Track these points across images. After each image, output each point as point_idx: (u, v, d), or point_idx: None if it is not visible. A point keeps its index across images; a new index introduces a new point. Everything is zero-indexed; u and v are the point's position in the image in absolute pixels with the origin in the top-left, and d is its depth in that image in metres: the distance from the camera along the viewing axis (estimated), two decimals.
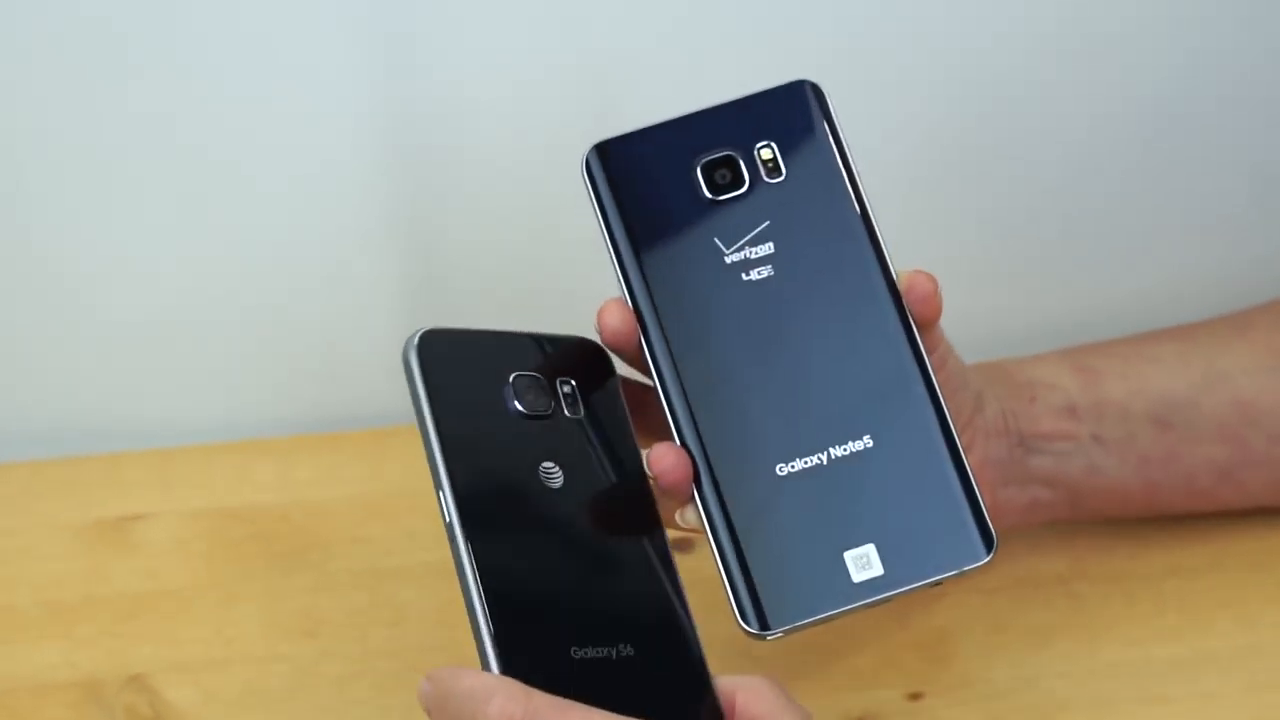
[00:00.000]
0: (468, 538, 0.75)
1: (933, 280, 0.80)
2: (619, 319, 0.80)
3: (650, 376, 0.80)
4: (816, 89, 0.82)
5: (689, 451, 0.79)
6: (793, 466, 0.78)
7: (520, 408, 0.78)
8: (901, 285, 0.80)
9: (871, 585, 0.77)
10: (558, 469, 0.78)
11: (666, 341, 0.80)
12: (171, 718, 0.90)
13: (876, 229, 0.80)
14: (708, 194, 0.81)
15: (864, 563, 0.77)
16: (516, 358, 0.79)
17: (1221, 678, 0.89)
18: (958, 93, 0.99)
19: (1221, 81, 1.00)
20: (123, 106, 0.96)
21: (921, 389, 0.79)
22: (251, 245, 0.99)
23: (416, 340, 0.78)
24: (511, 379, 0.78)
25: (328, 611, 0.93)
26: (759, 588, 0.77)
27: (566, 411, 0.79)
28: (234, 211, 0.99)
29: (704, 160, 0.81)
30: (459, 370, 0.78)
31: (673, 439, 0.79)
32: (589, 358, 0.80)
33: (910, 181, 1.00)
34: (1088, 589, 0.92)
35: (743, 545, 0.78)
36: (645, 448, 0.80)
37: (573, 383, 0.79)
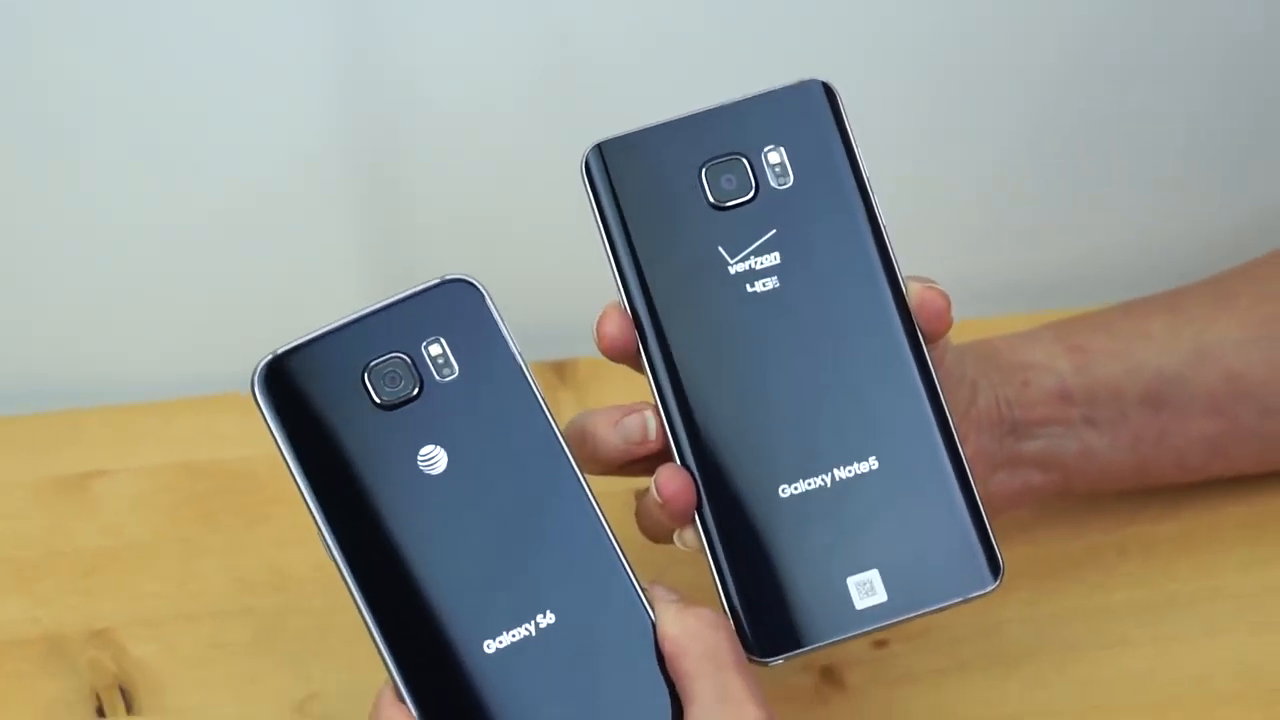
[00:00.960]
0: (349, 563, 0.74)
1: (944, 297, 0.79)
2: (618, 327, 0.78)
3: (649, 387, 0.78)
4: (829, 89, 0.79)
5: (690, 469, 0.77)
6: (795, 488, 0.77)
7: (379, 400, 0.76)
8: (912, 300, 0.78)
9: (875, 613, 0.76)
10: (438, 450, 0.76)
11: (667, 354, 0.78)
12: (136, 672, 0.90)
13: (887, 239, 0.78)
14: (712, 199, 0.79)
15: (867, 589, 0.76)
16: (367, 345, 0.76)
17: (1182, 621, 0.90)
18: (921, 45, 0.99)
19: (1179, 33, 1.00)
20: (79, 66, 0.95)
21: (929, 409, 0.78)
22: (211, 201, 0.99)
23: (258, 376, 0.75)
24: (363, 373, 0.76)
25: (293, 565, 0.92)
26: (759, 614, 0.76)
27: (439, 377, 0.76)
28: (193, 168, 0.98)
29: (709, 164, 0.79)
30: (309, 389, 0.75)
31: (671, 455, 0.78)
32: (454, 300, 0.77)
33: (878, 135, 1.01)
34: (1050, 536, 0.92)
35: (743, 570, 0.77)
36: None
37: (442, 341, 0.76)
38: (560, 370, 0.99)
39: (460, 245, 1.00)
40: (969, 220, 1.04)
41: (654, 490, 0.77)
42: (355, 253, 1.00)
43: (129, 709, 0.89)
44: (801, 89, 0.79)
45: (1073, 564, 0.91)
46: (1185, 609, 0.90)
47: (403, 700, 0.74)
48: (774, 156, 0.79)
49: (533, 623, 0.75)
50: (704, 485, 0.77)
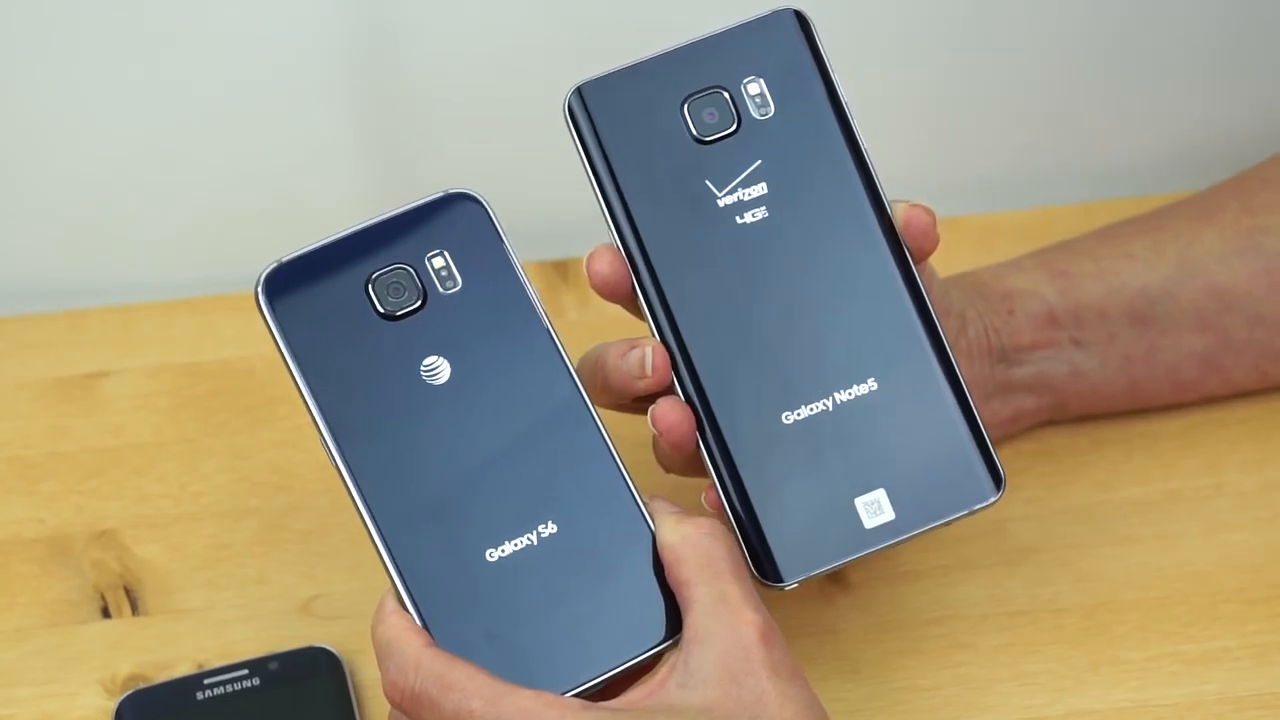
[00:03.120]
0: (351, 472, 0.75)
1: (930, 213, 0.79)
2: (610, 266, 0.78)
3: (646, 324, 0.79)
4: (801, 17, 0.80)
5: (692, 403, 0.78)
6: (798, 414, 0.78)
7: (382, 310, 0.76)
8: (898, 220, 0.79)
9: (884, 531, 0.78)
10: (441, 361, 0.76)
11: (661, 290, 0.79)
12: (140, 572, 0.90)
13: (869, 162, 0.79)
14: (696, 134, 0.79)
15: (875, 508, 0.78)
16: (371, 256, 0.76)
17: (1185, 518, 0.90)
18: None
19: None
20: None
21: (922, 327, 0.79)
22: (212, 100, 0.98)
23: (262, 284, 0.76)
24: (367, 284, 0.76)
25: (296, 466, 0.93)
26: (770, 539, 0.77)
27: (442, 289, 0.76)
28: (194, 67, 0.98)
29: (690, 99, 0.79)
30: (313, 298, 0.76)
31: (674, 390, 0.78)
32: (457, 213, 0.77)
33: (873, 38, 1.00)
34: (1054, 434, 0.92)
35: (752, 497, 0.78)
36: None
37: (445, 254, 0.77)
38: (563, 270, 0.99)
39: (460, 142, 1.00)
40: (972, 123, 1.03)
41: (650, 423, 0.78)
42: (354, 151, 1.00)
43: (134, 609, 0.89)
44: (775, 18, 0.80)
45: (1077, 462, 0.92)
46: (1189, 506, 0.90)
47: (405, 607, 0.74)
48: (753, 87, 0.80)
49: (534, 532, 0.75)
50: (708, 416, 0.78)
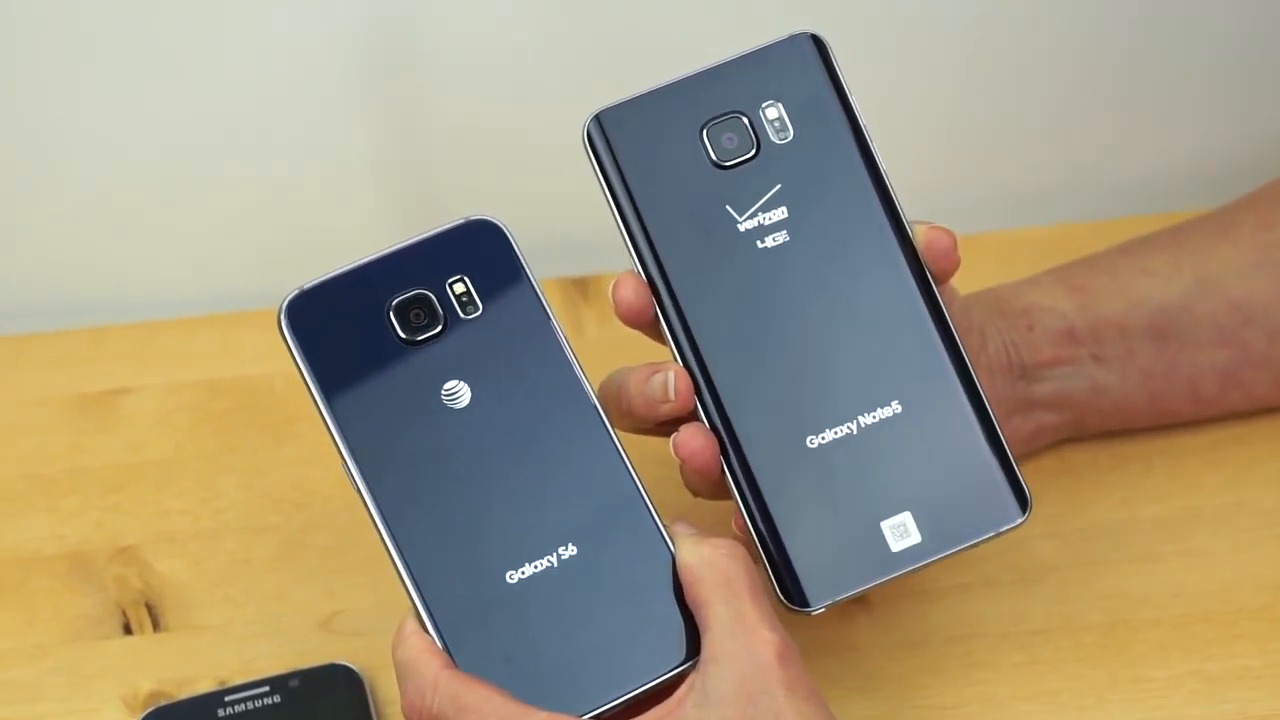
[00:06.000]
0: (373, 495, 0.75)
1: (951, 235, 0.79)
2: (634, 294, 0.79)
3: (670, 350, 0.79)
4: (818, 41, 0.80)
5: (715, 428, 0.78)
6: (823, 438, 0.78)
7: (403, 335, 0.77)
8: (919, 241, 0.79)
9: (910, 554, 0.78)
10: (461, 385, 0.77)
11: (684, 316, 0.79)
12: (162, 588, 0.90)
13: (889, 184, 0.79)
14: (715, 159, 0.79)
15: (901, 531, 0.78)
16: (392, 280, 0.77)
17: (1208, 536, 0.90)
18: None
19: None
20: None
21: (945, 349, 0.79)
22: (234, 117, 0.99)
23: (285, 310, 0.76)
24: (388, 309, 0.77)
25: (315, 482, 0.93)
26: (796, 564, 0.78)
27: (463, 314, 0.77)
28: (215, 84, 0.98)
29: (709, 124, 0.79)
30: (333, 326, 0.77)
31: (697, 415, 0.78)
32: (478, 240, 0.78)
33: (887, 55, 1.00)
34: (1076, 451, 0.92)
35: (777, 521, 0.78)
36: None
37: (465, 279, 0.78)
38: (583, 287, 0.99)
39: (479, 159, 1.00)
40: (987, 139, 1.03)
41: (672, 450, 0.78)
42: (374, 167, 1.00)
43: (156, 625, 0.89)
44: (792, 43, 0.80)
45: (1098, 479, 0.91)
46: (1211, 523, 0.90)
47: (425, 629, 0.74)
48: (772, 112, 0.80)
49: (554, 554, 0.75)
50: (733, 441, 0.78)
